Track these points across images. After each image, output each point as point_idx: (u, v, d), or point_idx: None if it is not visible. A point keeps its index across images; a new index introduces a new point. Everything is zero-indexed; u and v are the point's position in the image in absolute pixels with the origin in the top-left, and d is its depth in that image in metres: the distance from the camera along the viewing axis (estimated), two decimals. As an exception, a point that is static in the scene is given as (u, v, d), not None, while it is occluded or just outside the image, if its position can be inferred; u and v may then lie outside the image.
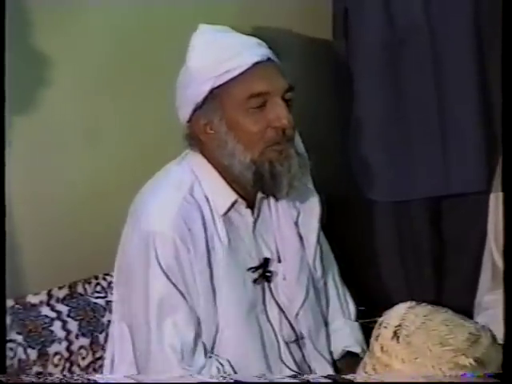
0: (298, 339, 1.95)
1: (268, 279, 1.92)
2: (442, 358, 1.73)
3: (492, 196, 2.36)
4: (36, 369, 2.04)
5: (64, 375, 2.01)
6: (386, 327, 1.77)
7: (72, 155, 2.15)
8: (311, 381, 1.88)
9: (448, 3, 2.32)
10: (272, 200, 1.95)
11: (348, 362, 2.05)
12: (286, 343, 1.94)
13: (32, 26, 2.09)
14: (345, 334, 2.08)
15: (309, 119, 2.29)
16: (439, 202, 2.51)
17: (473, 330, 1.78)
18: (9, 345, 2.02)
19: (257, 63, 1.84)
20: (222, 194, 1.89)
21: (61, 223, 2.20)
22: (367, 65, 2.39)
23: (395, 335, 1.75)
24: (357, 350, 2.06)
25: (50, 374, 2.07)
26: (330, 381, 1.89)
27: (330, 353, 2.02)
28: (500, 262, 2.32)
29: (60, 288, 2.18)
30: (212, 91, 1.84)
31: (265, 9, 2.42)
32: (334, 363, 2.03)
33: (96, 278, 2.21)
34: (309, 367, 1.96)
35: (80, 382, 1.88)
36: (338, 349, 2.06)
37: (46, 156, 2.12)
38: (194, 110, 1.87)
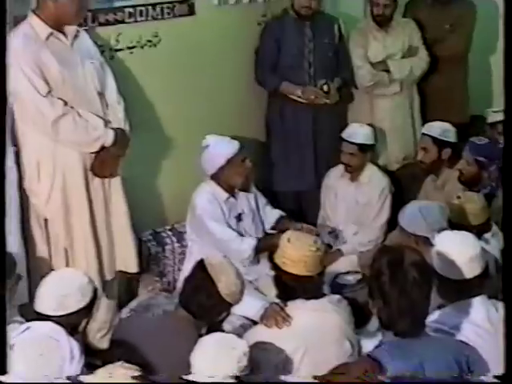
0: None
1: (241, 219, 4.68)
2: (306, 250, 3.36)
3: (322, 191, 5.15)
4: (160, 255, 4.62)
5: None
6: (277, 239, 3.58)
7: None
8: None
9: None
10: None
11: (280, 222, 4.73)
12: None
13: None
14: (275, 213, 4.81)
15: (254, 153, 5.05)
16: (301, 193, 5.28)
17: (314, 238, 3.66)
18: (150, 246, 4.64)
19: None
20: (222, 194, 4.54)
21: (172, 196, 4.88)
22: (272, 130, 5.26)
23: (288, 240, 3.40)
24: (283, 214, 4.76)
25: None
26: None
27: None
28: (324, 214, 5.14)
29: (167, 225, 4.80)
30: (222, 167, 4.53)
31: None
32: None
33: (183, 222, 4.78)
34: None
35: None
36: (274, 217, 4.77)
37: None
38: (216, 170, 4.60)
